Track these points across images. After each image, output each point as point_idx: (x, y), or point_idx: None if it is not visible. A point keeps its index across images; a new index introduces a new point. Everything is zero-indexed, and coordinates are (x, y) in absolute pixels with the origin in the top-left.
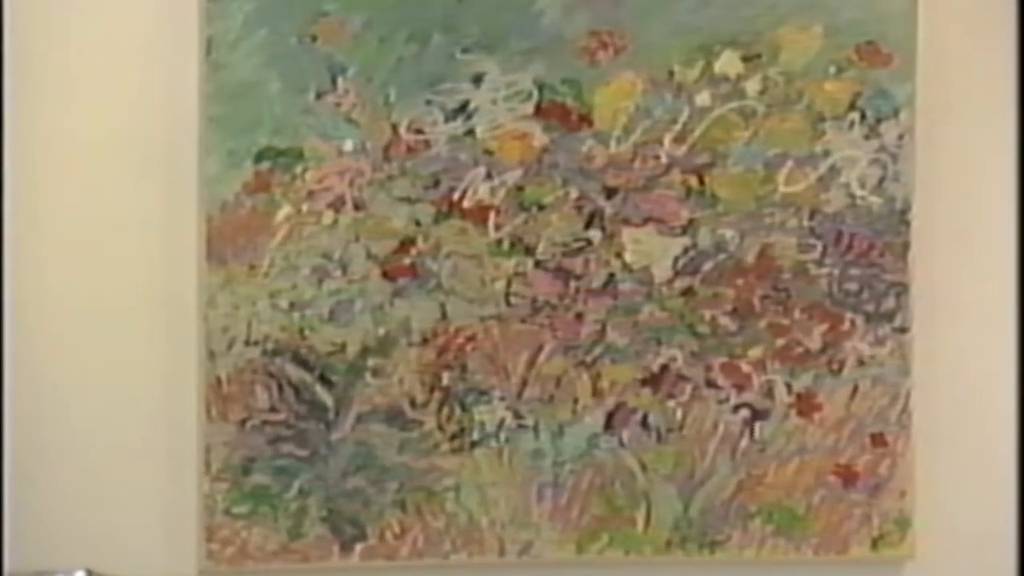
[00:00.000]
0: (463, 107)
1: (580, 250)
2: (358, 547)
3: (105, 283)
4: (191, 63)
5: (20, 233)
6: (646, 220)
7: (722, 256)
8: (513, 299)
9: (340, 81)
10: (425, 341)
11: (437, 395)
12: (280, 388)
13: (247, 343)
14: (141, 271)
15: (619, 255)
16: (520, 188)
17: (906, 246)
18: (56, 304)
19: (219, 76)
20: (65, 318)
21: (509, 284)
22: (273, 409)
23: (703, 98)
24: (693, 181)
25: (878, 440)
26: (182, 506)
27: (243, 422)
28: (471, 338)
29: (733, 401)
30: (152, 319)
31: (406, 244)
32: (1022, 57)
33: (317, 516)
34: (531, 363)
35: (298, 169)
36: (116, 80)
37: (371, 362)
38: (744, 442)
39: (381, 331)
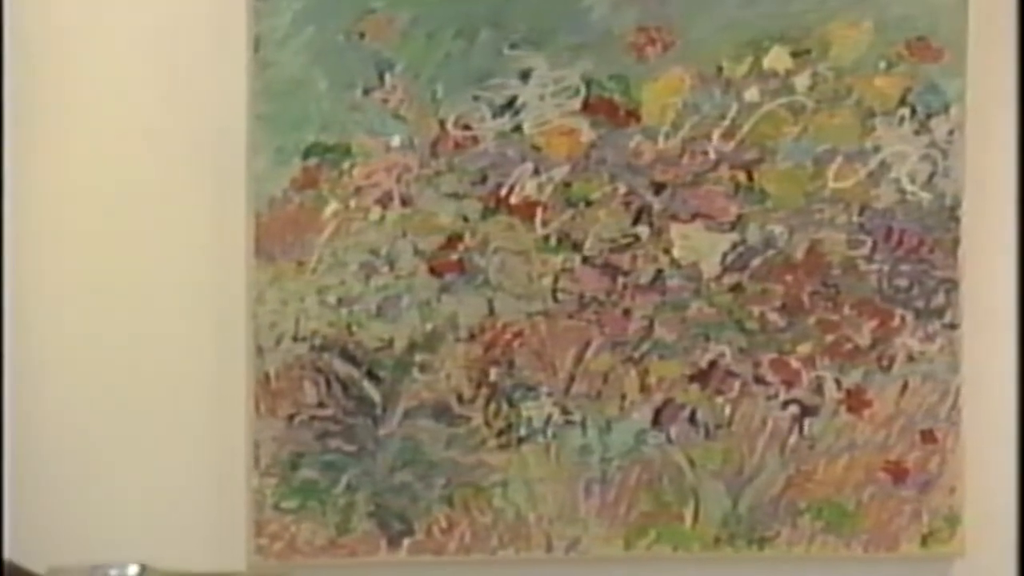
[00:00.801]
0: (511, 103)
1: (628, 246)
2: (405, 542)
3: (155, 280)
4: (239, 61)
5: (71, 230)
6: (694, 216)
7: (771, 252)
8: (560, 295)
9: (387, 77)
10: (472, 337)
11: (484, 391)
12: (328, 384)
13: (295, 339)
14: (190, 268)
15: (667, 251)
16: (568, 184)
17: (956, 242)
18: (106, 301)
19: (267, 74)
20: (115, 315)
21: (556, 280)
22: (321, 404)
23: (752, 94)
24: (742, 177)
25: (928, 437)
26: (231, 501)
27: (291, 417)
28: (518, 334)
29: (782, 397)
30: (201, 315)
31: (453, 240)
32: (1022, 57)
33: (365, 511)
34: (579, 359)
35: (346, 165)
36: (165, 78)
37: (418, 358)
38: (793, 438)
39: (428, 327)
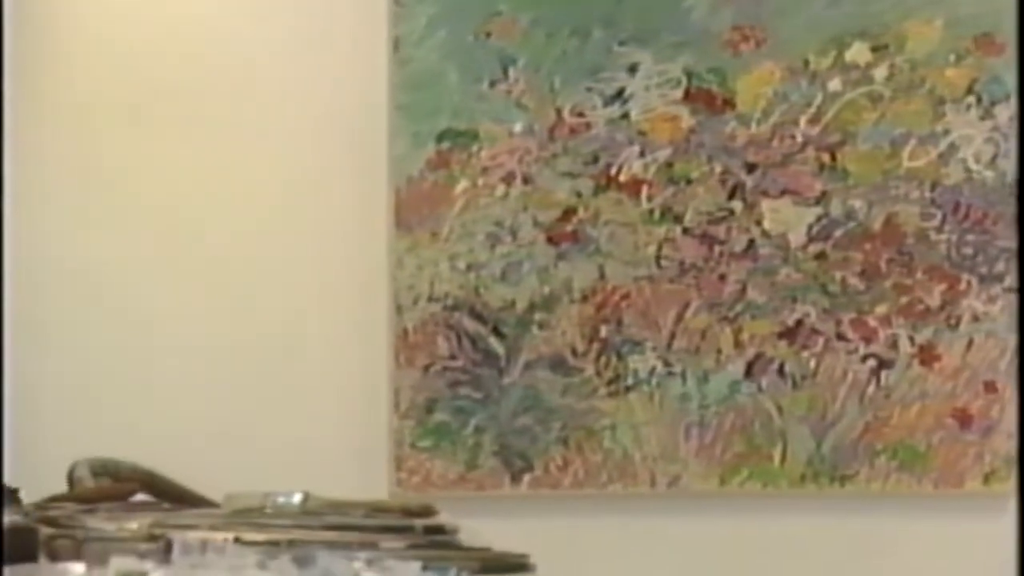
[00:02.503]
0: (619, 93)
1: (723, 219)
2: (526, 478)
3: (308, 249)
4: (381, 59)
5: (242, 206)
6: (783, 192)
7: (851, 224)
8: (663, 262)
9: (511, 71)
10: (585, 298)
11: (596, 345)
12: (458, 338)
13: (430, 299)
14: (340, 238)
15: (758, 223)
16: (670, 164)
17: (1016, 215)
18: (271, 267)
19: (405, 70)
20: (278, 279)
21: (660, 249)
22: (452, 357)
23: (835, 84)
24: (826, 158)
25: (990, 387)
26: (375, 440)
27: (427, 368)
28: (626, 296)
29: (861, 352)
30: (349, 279)
31: (568, 213)
32: (1022, 56)
33: (490, 450)
34: (679, 318)
35: (474, 148)
36: (319, 75)
37: (537, 316)
38: (871, 388)
39: (546, 289)
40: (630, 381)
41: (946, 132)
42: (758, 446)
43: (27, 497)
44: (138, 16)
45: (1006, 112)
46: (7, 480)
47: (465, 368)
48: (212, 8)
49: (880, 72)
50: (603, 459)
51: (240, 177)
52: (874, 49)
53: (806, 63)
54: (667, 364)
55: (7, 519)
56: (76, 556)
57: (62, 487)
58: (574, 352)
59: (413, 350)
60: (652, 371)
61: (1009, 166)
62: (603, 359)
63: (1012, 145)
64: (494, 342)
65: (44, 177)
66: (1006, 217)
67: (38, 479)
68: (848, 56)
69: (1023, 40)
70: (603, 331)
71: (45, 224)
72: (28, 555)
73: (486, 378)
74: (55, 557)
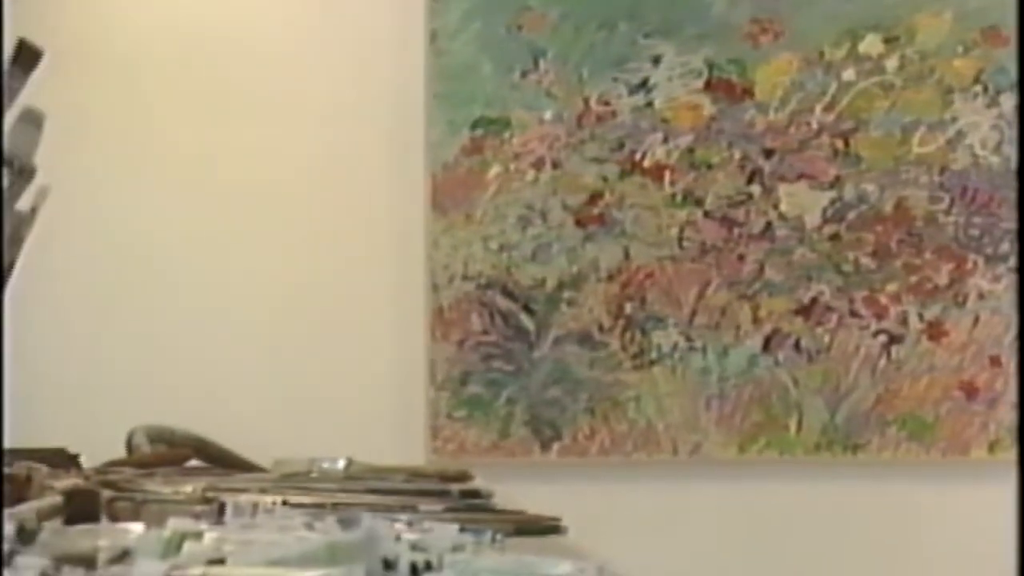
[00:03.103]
0: (644, 83)
1: (742, 202)
2: (555, 446)
3: (350, 231)
4: (419, 51)
5: (286, 191)
6: (799, 177)
7: (864, 207)
8: (685, 243)
9: (541, 63)
10: (611, 277)
11: (621, 322)
12: (491, 315)
13: (464, 278)
14: (378, 220)
15: (776, 206)
16: (691, 150)
17: (1017, 197)
18: (312, 249)
19: (441, 61)
20: (320, 260)
21: (682, 230)
22: (485, 332)
23: (849, 74)
24: (839, 144)
25: (995, 361)
26: (412, 410)
27: (461, 342)
28: (649, 275)
29: (873, 328)
30: (388, 259)
31: (595, 197)
32: (1022, 56)
33: (521, 420)
34: (700, 296)
35: (506, 135)
36: (362, 66)
37: (566, 294)
38: (882, 362)
39: (574, 269)
40: (654, 355)
41: (954, 120)
42: (775, 416)
43: (88, 462)
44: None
45: (1011, 101)
46: (70, 446)
47: (497, 343)
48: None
49: (891, 63)
50: (628, 428)
51: (287, 162)
52: (886, 41)
53: (821, 54)
54: (689, 339)
55: (71, 482)
56: (135, 517)
57: (121, 453)
58: (600, 328)
59: (448, 326)
60: (674, 346)
61: (1014, 152)
62: (628, 334)
63: (1017, 132)
64: (525, 318)
65: (96, 148)
66: (1010, 200)
67: (98, 445)
68: (861, 47)
69: None
70: (628, 308)
71: (99, 194)
72: (90, 516)
73: (517, 352)
74: (115, 518)
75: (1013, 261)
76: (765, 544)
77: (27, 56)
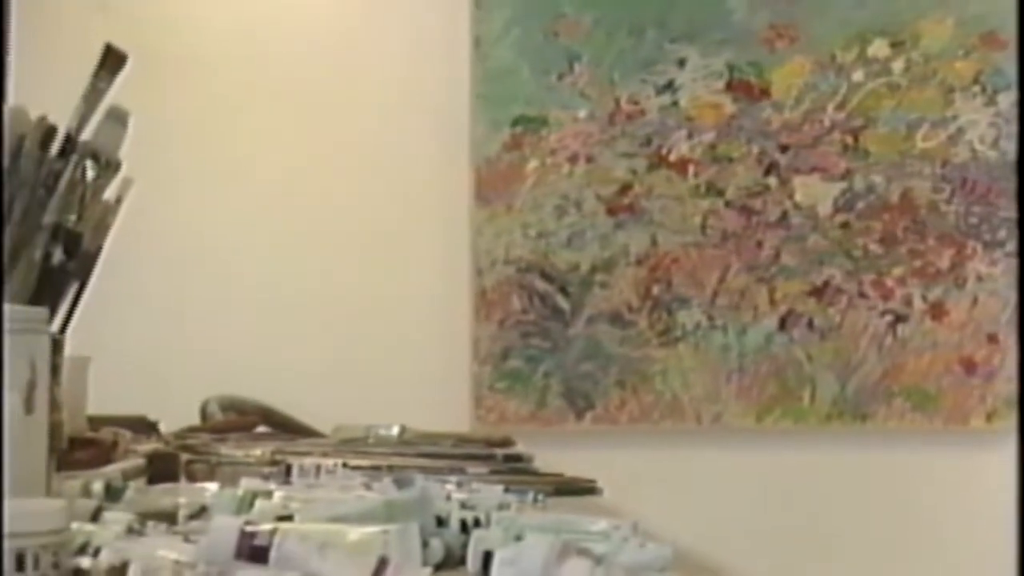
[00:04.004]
0: (670, 84)
1: (760, 193)
2: (588, 415)
3: (401, 220)
4: (464, 55)
5: (343, 188)
6: (812, 169)
7: (872, 197)
8: (708, 230)
9: (576, 66)
10: (640, 262)
11: (648, 303)
12: (530, 297)
13: (505, 263)
14: (428, 211)
15: (791, 197)
16: (713, 146)
17: (1016, 189)
18: (368, 239)
19: (485, 64)
20: (374, 248)
21: (705, 219)
22: (524, 312)
23: (858, 75)
24: (849, 139)
25: (992, 339)
26: (458, 383)
27: (502, 322)
28: (675, 260)
29: (880, 308)
30: (435, 246)
31: (625, 188)
32: (1022, 56)
33: (557, 392)
34: (721, 279)
35: (544, 132)
36: (412, 70)
37: (598, 277)
38: (888, 339)
39: (606, 254)
40: (678, 333)
41: (955, 117)
42: (790, 389)
43: (166, 429)
44: (266, 11)
45: (1008, 99)
46: (149, 414)
47: (535, 322)
48: (330, 10)
49: (898, 65)
50: (655, 400)
51: (346, 157)
52: (892, 45)
53: (833, 57)
54: (711, 318)
55: (152, 446)
56: (210, 477)
57: (195, 421)
58: (630, 308)
59: (491, 306)
60: (698, 325)
61: (1011, 146)
62: (655, 314)
63: (1014, 128)
64: (560, 299)
65: (174, 145)
66: (1007, 191)
67: (175, 414)
68: (870, 51)
69: (1023, 37)
70: (655, 290)
71: (177, 186)
72: (170, 476)
73: (553, 330)
74: (193, 478)
75: (1010, 247)
76: (780, 505)
77: (113, 60)
